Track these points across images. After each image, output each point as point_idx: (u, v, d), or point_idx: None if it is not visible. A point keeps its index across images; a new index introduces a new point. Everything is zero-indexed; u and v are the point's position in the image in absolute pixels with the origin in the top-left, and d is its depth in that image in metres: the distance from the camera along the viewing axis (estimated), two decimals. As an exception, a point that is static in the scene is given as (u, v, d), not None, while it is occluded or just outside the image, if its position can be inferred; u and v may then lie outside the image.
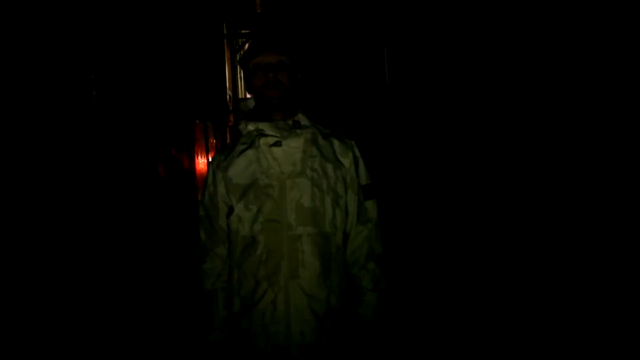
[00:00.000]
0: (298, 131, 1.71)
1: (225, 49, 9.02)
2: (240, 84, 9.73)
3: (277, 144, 1.69)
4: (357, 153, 1.81)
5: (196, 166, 6.32)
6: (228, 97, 8.49)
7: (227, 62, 9.12)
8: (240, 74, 10.37)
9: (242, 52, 9.43)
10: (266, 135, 1.70)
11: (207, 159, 6.76)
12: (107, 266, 3.09)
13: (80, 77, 2.99)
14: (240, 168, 1.73)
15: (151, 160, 4.48)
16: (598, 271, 2.76)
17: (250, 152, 1.73)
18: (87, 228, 2.95)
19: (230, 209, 1.73)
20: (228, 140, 8.40)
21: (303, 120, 1.75)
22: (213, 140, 6.80)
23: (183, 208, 5.10)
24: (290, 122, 1.74)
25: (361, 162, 1.80)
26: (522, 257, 3.19)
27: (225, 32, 8.92)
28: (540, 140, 2.94)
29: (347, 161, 1.77)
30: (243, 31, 9.53)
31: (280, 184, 1.68)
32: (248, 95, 1.95)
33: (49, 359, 2.45)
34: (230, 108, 8.77)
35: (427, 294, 3.59)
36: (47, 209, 2.63)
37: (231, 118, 9.06)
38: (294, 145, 1.70)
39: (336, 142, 1.78)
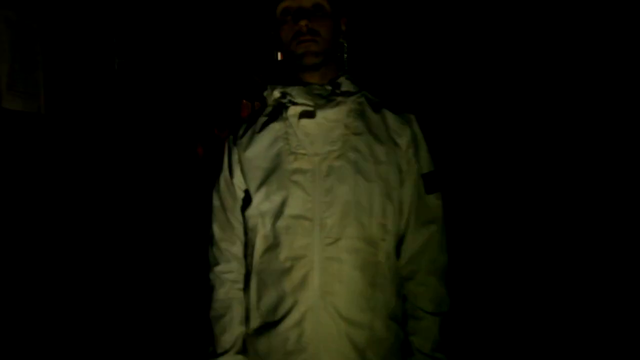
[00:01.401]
0: (339, 99, 1.30)
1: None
2: None
3: (309, 114, 1.28)
4: (418, 130, 1.36)
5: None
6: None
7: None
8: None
9: None
10: (296, 104, 1.30)
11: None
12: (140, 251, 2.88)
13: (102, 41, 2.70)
14: (263, 146, 1.33)
15: (188, 140, 4.23)
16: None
17: (275, 126, 1.34)
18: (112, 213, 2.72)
19: (249, 199, 1.34)
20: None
21: (346, 84, 1.33)
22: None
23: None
24: (328, 87, 1.32)
25: (423, 143, 1.36)
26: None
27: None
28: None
29: (404, 141, 1.33)
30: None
31: (313, 168, 1.28)
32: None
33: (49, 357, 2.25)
34: None
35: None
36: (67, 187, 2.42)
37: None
38: (333, 118, 1.29)
39: (390, 116, 1.35)
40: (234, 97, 5.93)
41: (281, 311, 1.28)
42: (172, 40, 3.60)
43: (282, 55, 1.36)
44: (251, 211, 1.33)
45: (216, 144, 5.08)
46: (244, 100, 6.38)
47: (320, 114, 1.28)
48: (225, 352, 1.40)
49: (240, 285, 1.41)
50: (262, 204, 1.30)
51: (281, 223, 1.28)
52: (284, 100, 1.32)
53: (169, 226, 3.43)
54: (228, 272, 1.42)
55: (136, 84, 3.10)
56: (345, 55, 1.40)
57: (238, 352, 1.40)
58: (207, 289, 1.46)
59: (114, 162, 2.84)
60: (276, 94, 1.33)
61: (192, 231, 3.73)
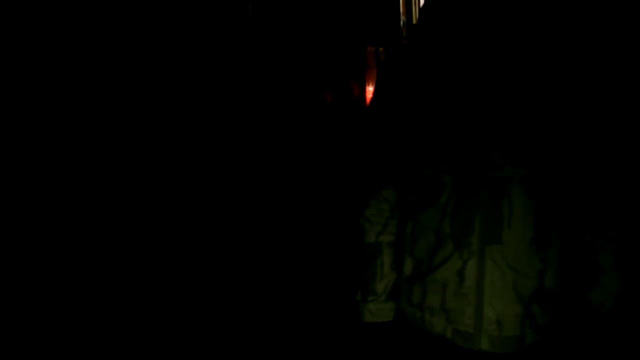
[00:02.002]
0: None
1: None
2: (415, 9, 9.27)
3: None
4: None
5: (366, 94, 6.15)
6: (402, 22, 8.19)
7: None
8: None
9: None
10: None
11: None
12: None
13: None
14: None
15: (317, 86, 4.34)
16: None
17: None
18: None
19: None
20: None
21: None
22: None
23: (352, 138, 4.94)
24: None
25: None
26: None
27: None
28: None
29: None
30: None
31: None
32: None
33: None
34: (404, 34, 8.42)
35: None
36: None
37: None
38: None
39: None
40: (358, 45, 6.02)
41: (439, 257, 1.21)
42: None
43: None
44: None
45: (343, 91, 5.20)
46: (368, 47, 6.47)
47: None
48: (375, 298, 1.35)
49: (392, 230, 1.34)
50: None
51: (442, 161, 1.19)
52: None
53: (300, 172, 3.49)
54: (378, 214, 1.34)
55: (266, 30, 3.19)
56: None
57: (388, 299, 1.35)
58: (356, 233, 1.39)
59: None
60: None
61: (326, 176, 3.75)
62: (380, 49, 6.41)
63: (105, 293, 2.59)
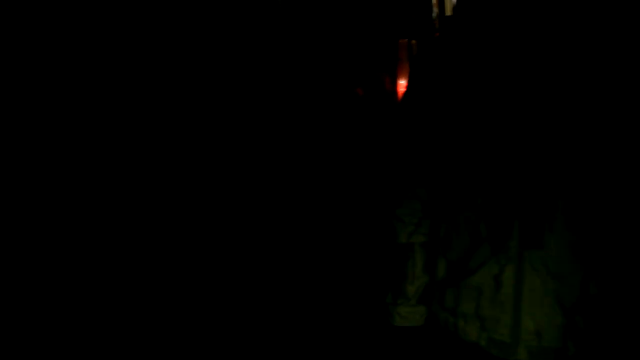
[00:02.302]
0: None
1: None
2: (448, 0, 9.00)
3: None
4: None
5: (398, 88, 6.08)
6: (434, 14, 8.07)
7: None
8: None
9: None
10: None
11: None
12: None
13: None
14: None
15: (348, 79, 4.30)
16: None
17: None
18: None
19: None
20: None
21: None
22: (417, 60, 6.50)
23: (384, 132, 4.90)
24: None
25: None
26: None
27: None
28: None
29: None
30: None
31: None
32: None
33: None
34: (437, 26, 8.27)
35: None
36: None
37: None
38: None
39: None
40: (389, 38, 5.95)
41: (475, 261, 1.15)
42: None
43: None
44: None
45: (375, 85, 5.14)
46: (400, 40, 6.40)
47: None
48: (406, 301, 1.31)
49: (424, 230, 1.29)
50: None
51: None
52: None
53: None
54: (411, 213, 1.29)
55: (297, 21, 3.15)
56: None
57: (420, 302, 1.31)
58: (387, 234, 1.35)
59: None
60: None
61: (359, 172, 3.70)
62: (413, 41, 6.32)
63: (105, 293, 2.62)
